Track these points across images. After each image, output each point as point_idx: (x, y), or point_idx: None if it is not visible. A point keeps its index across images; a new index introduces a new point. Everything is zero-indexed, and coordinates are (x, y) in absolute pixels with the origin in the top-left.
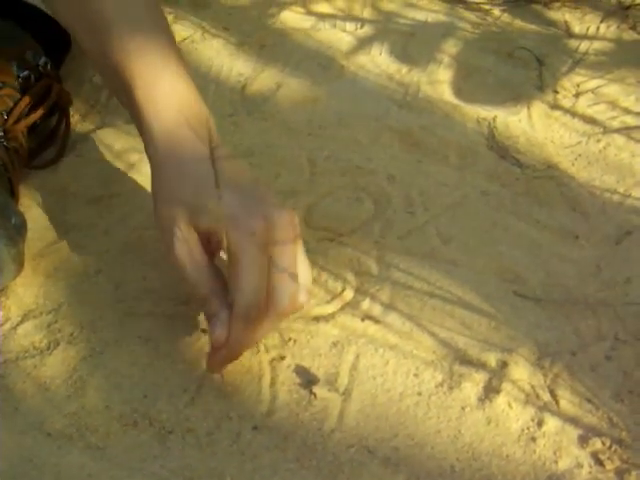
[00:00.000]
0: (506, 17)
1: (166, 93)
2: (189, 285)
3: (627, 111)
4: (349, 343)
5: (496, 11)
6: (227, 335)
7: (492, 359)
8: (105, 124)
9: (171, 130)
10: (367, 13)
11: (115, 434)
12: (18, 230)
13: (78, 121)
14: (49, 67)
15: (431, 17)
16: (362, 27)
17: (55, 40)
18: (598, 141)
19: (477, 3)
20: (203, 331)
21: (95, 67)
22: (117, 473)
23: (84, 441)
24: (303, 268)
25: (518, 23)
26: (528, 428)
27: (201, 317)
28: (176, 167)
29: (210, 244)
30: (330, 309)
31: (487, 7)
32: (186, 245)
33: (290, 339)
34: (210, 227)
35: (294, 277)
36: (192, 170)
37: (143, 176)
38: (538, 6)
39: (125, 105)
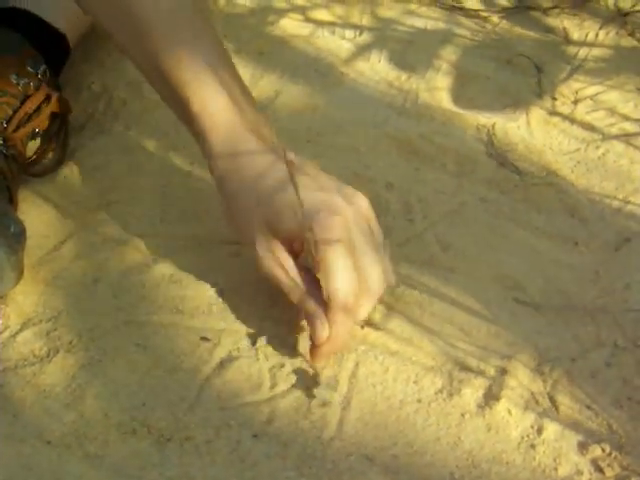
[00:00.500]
0: (505, 24)
1: (221, 103)
2: (283, 292)
3: (626, 118)
4: (348, 350)
5: (495, 18)
6: (329, 331)
7: (492, 366)
8: (104, 131)
9: (230, 142)
10: (366, 20)
11: (114, 442)
12: (17, 238)
13: (77, 128)
14: (48, 75)
15: (430, 24)
16: (361, 34)
17: (54, 48)
18: (597, 148)
19: (475, 10)
20: (202, 339)
21: (142, 73)
22: None
23: (83, 449)
24: (384, 246)
25: (517, 30)
26: (528, 435)
27: (200, 325)
28: (242, 179)
29: (292, 247)
30: None
31: (485, 14)
32: (271, 255)
33: (290, 346)
34: (290, 231)
35: (380, 257)
36: (259, 178)
37: (142, 184)
38: (537, 13)
39: (177, 114)
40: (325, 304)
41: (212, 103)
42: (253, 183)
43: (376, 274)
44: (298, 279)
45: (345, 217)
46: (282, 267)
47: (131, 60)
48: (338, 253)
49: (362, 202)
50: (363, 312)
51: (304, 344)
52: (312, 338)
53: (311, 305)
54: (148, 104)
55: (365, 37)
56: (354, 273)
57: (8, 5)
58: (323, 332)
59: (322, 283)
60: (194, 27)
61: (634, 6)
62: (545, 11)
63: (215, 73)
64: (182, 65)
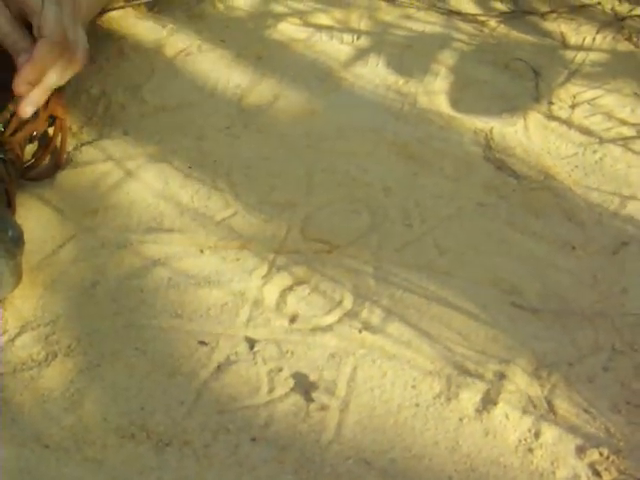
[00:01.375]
0: (502, 28)
1: None
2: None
3: (623, 122)
4: (347, 354)
5: (492, 22)
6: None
7: (490, 370)
8: (102, 136)
9: None
10: (364, 25)
11: (112, 446)
12: (15, 243)
13: (75, 133)
14: None
15: (428, 29)
16: (359, 39)
17: None
18: (594, 152)
19: (473, 15)
20: (200, 343)
21: None
22: None
23: (81, 453)
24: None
25: (514, 34)
26: (526, 439)
27: (198, 329)
28: None
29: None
30: (328, 320)
31: (483, 19)
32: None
33: (288, 351)
34: None
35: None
36: None
37: (140, 188)
38: (534, 17)
39: None
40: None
41: None
42: None
43: (79, 39)
44: (10, 19)
45: None
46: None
47: None
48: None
49: None
50: (63, 63)
51: None
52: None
53: (19, 43)
54: (146, 109)
55: (363, 41)
56: (60, 22)
57: None
58: (24, 56)
59: (33, 28)
60: None
61: (631, 11)
62: (542, 16)
63: None
64: None
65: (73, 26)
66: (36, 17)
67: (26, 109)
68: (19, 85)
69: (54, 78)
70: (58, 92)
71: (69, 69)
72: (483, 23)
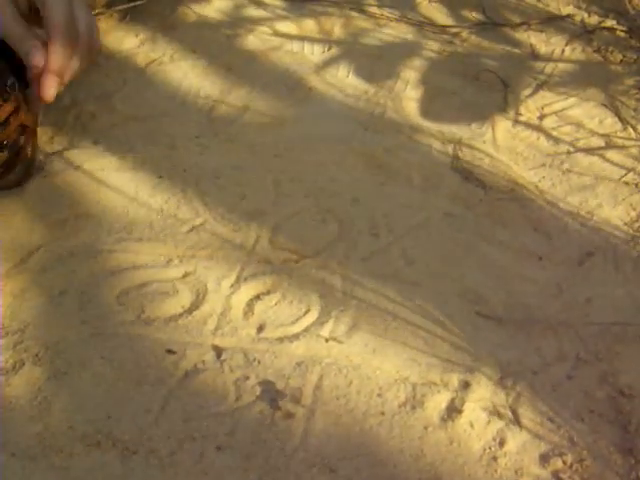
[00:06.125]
0: (473, 39)
1: None
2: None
3: (591, 133)
4: (313, 363)
5: (464, 33)
6: (45, 60)
7: (455, 379)
8: (73, 145)
9: None
10: (335, 35)
11: (78, 454)
12: None
13: (46, 142)
14: (17, 87)
15: (399, 39)
16: (330, 49)
17: (22, 61)
18: (562, 163)
19: (445, 26)
20: (168, 352)
21: None
22: None
23: (48, 461)
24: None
25: (485, 45)
26: (490, 447)
27: (166, 337)
28: None
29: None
30: (295, 329)
31: (455, 29)
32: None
33: (255, 359)
34: None
35: (93, 19)
36: None
37: (110, 197)
38: (505, 29)
39: None
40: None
41: None
42: None
43: (88, 24)
44: (20, 20)
45: None
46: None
47: None
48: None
49: None
50: (78, 57)
51: None
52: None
53: (29, 41)
54: (117, 118)
55: (334, 51)
56: (71, 15)
57: None
58: (40, 59)
59: (44, 25)
60: None
61: (600, 23)
62: (513, 27)
63: None
64: None
65: (84, 15)
66: (44, 9)
67: (47, 91)
68: (44, 89)
69: (70, 75)
70: (30, 101)
71: (83, 62)
72: (454, 34)
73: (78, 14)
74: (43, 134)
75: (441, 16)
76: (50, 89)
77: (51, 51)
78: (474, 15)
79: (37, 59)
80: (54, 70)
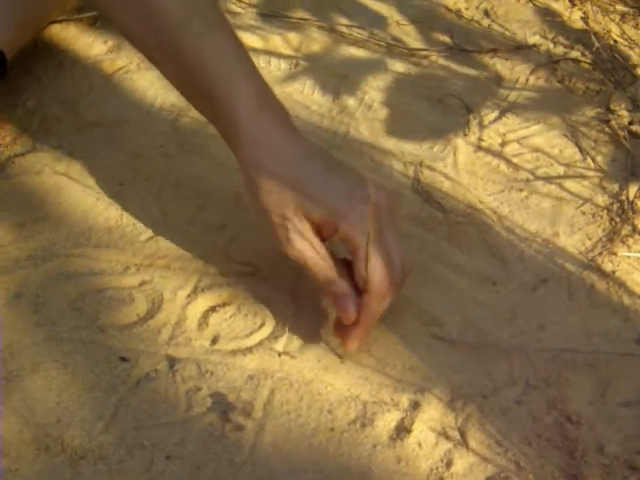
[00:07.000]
0: (440, 63)
1: (247, 88)
2: (313, 273)
3: (551, 162)
4: (265, 377)
5: (431, 57)
6: (357, 313)
7: (405, 399)
8: (35, 148)
9: (262, 128)
10: (302, 52)
11: (27, 457)
12: None
13: (9, 144)
14: None
15: (366, 59)
16: (297, 66)
17: None
18: (521, 190)
19: (412, 48)
20: (121, 359)
21: (158, 64)
22: None
23: None
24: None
25: (451, 70)
26: (437, 468)
27: (120, 345)
28: (277, 161)
29: (320, 232)
30: (248, 343)
31: (423, 53)
32: (303, 237)
33: (207, 371)
34: (322, 218)
35: (402, 247)
36: (294, 163)
37: (70, 202)
38: (472, 54)
39: (201, 105)
40: (355, 288)
41: (241, 93)
42: (288, 167)
43: (401, 263)
44: (330, 261)
45: (377, 206)
46: (314, 249)
47: (147, 55)
48: (374, 241)
49: (385, 192)
50: (390, 298)
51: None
52: (341, 318)
53: (343, 285)
54: (82, 122)
55: (300, 69)
56: (387, 261)
57: None
58: (354, 312)
59: (356, 268)
60: (213, 18)
61: (565, 54)
62: (480, 53)
63: (241, 65)
64: (208, 55)
65: (397, 252)
66: (359, 263)
67: (352, 345)
68: (350, 342)
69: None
70: None
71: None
72: (422, 57)
73: (394, 256)
74: (6, 136)
75: (409, 39)
76: (355, 342)
77: (366, 304)
78: (442, 39)
79: (350, 313)
80: (365, 324)
